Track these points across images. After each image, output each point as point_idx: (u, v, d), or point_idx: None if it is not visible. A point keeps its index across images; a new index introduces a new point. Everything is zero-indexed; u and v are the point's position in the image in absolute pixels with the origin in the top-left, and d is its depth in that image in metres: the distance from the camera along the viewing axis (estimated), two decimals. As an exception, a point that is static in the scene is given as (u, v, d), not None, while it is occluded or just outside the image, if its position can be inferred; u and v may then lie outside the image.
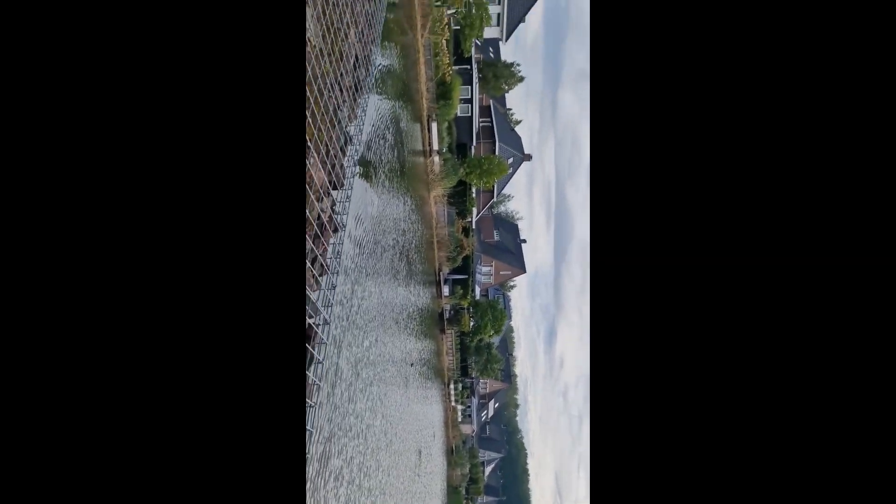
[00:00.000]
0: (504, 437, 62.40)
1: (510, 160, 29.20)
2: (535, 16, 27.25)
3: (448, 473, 29.45)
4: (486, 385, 41.76)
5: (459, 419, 33.27)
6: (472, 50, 23.13)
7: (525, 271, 35.61)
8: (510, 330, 62.68)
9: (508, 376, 46.60)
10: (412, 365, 14.96)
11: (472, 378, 33.03)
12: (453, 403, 30.31)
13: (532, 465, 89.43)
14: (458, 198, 23.76)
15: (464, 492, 36.67)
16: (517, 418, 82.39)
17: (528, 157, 30.49)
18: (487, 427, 50.49)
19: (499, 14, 24.74)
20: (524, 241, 38.34)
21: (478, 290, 30.07)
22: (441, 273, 22.85)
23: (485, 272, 33.53)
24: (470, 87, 24.55)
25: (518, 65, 35.78)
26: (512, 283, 44.08)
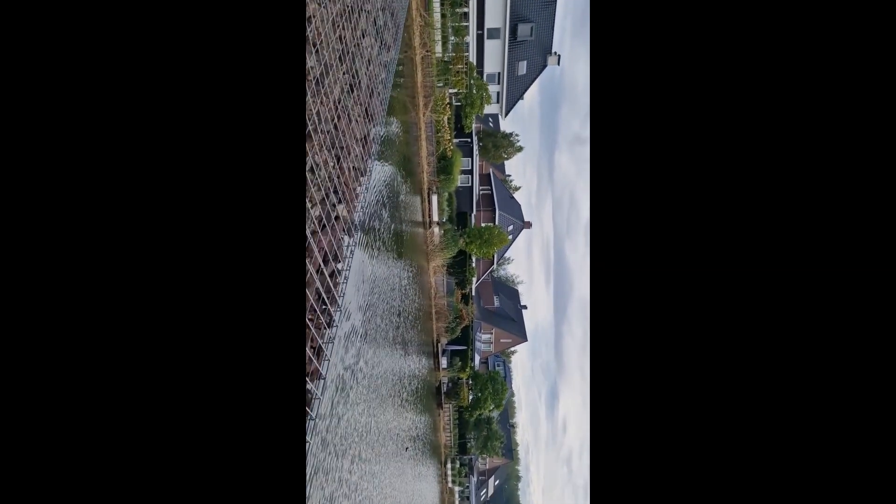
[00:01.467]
0: (505, 516, 57.54)
1: (510, 228, 29.29)
2: (532, 86, 29.03)
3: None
4: (485, 461, 39.08)
5: (457, 502, 30.69)
6: (473, 124, 23.93)
7: (526, 339, 34.54)
8: (510, 394, 60.10)
9: (510, 451, 43.81)
10: (406, 449, 13.87)
11: (471, 456, 30.88)
12: (450, 485, 28.07)
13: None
14: (458, 268, 23.44)
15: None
16: (519, 492, 76.85)
17: (528, 225, 30.62)
18: (487, 507, 46.64)
19: (498, 92, 25.92)
20: (525, 307, 37.63)
21: (477, 358, 28.95)
22: (439, 344, 21.98)
23: (485, 340, 32.49)
24: (470, 158, 25.12)
25: (517, 135, 37.21)
26: (512, 350, 42.77)
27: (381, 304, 10.11)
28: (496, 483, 47.41)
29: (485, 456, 34.39)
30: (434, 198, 19.50)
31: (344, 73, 4.84)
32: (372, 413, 8.55)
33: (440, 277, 21.10)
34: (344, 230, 4.97)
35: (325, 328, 4.30)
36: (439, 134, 19.51)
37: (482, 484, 40.99)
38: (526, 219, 30.97)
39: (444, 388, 23.22)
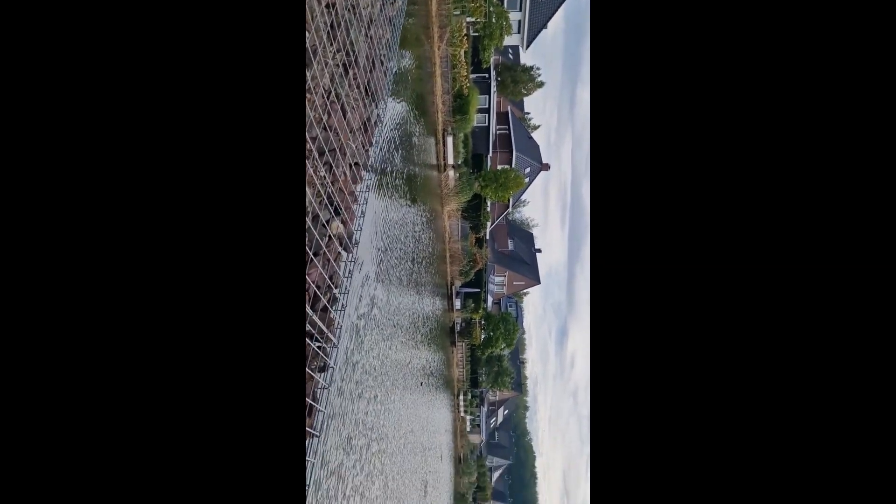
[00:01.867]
0: (512, 441, 62.06)
1: (527, 170, 28.46)
2: (557, 12, 26.33)
3: (456, 481, 29.26)
4: (496, 393, 41.33)
5: (468, 429, 32.96)
6: (491, 58, 22.44)
7: (539, 282, 34.90)
8: (521, 333, 61.85)
9: (519, 385, 46.10)
10: (421, 384, 14.67)
11: (482, 389, 32.65)
12: (462, 414, 29.98)
13: (540, 464, 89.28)
14: (473, 212, 23.19)
15: (471, 499, 36.51)
16: (526, 420, 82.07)
17: (546, 167, 29.68)
18: (496, 433, 50.19)
19: (520, 21, 23.90)
20: (539, 250, 37.56)
21: (490, 299, 29.55)
22: (453, 287, 22.40)
23: (498, 282, 32.95)
24: (488, 96, 23.87)
25: (538, 69, 34.90)
26: (525, 292, 43.47)
27: (394, 251, 10.16)
28: (505, 412, 50.54)
29: (495, 390, 36.32)
30: (449, 140, 18.84)
31: (336, 53, 3.72)
32: (387, 357, 8.90)
33: (455, 222, 20.97)
34: (341, 246, 4.15)
35: (317, 373, 3.68)
36: (455, 69, 18.39)
37: (492, 413, 43.74)
38: (544, 160, 29.94)
39: (457, 328, 24.03)
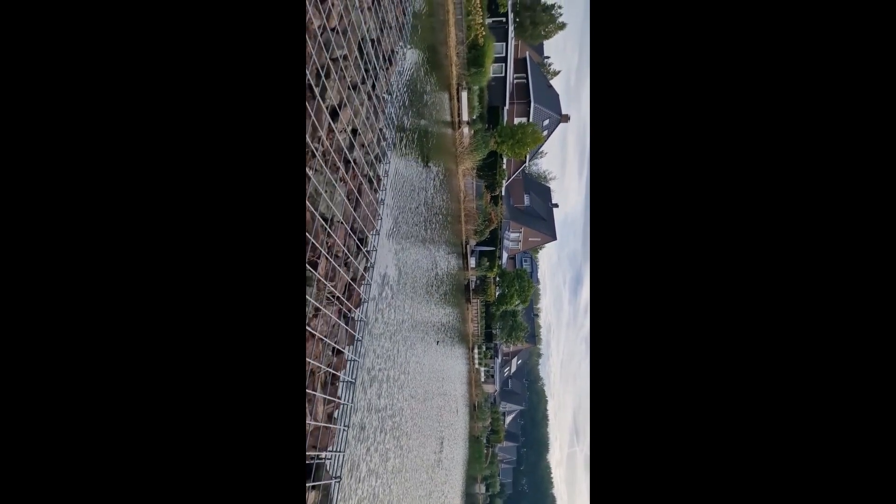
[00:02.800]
0: (525, 387, 64.49)
1: (546, 122, 27.13)
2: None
3: (471, 426, 30.88)
4: (510, 345, 42.32)
5: (482, 379, 34.19)
6: (509, 1, 20.67)
7: (555, 238, 34.42)
8: (536, 284, 61.96)
9: (533, 337, 47.03)
10: (438, 343, 15.01)
11: (496, 343, 33.42)
12: (476, 366, 30.96)
13: (551, 406, 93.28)
14: (488, 170, 22.45)
15: (485, 441, 38.64)
16: (539, 366, 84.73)
17: (566, 119, 28.20)
18: (510, 381, 52.06)
19: (541, -45, 21.71)
20: (556, 205, 36.67)
21: (505, 255, 29.40)
22: (468, 246, 22.26)
23: (513, 238, 32.62)
24: (504, 43, 22.27)
25: (559, 8, 32.20)
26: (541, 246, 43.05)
27: (407, 220, 9.93)
28: (518, 362, 52.10)
29: (509, 343, 37.16)
30: (463, 95, 17.85)
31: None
32: (397, 333, 8.94)
33: (469, 180, 20.39)
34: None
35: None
36: (470, 17, 17.05)
37: (505, 363, 45.12)
38: (564, 110, 28.39)
39: (472, 286, 24.18)
